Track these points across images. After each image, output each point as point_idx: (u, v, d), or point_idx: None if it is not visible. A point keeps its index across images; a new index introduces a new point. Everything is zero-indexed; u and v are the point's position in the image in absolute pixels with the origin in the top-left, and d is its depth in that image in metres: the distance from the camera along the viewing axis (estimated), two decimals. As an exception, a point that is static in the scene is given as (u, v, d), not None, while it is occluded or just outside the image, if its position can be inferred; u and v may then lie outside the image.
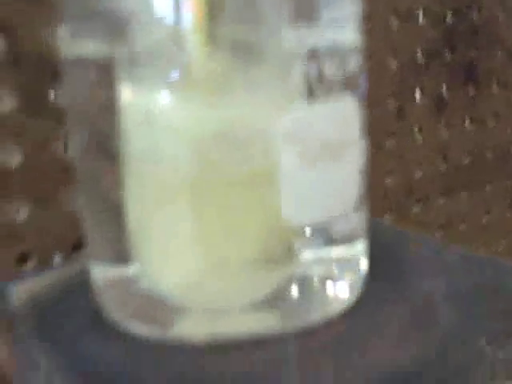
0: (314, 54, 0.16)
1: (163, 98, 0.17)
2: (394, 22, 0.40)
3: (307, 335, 0.18)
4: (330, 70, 0.17)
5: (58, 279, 0.24)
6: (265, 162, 0.17)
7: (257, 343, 0.17)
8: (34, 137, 0.29)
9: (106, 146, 0.18)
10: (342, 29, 0.17)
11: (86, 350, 0.18)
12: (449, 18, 0.43)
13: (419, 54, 0.42)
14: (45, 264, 0.30)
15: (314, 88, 0.17)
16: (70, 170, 0.30)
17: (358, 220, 0.20)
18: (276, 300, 0.18)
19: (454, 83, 0.44)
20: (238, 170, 0.17)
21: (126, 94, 0.17)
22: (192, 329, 0.18)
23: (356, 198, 0.19)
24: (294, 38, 0.16)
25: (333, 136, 0.17)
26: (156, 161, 0.17)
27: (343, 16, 0.18)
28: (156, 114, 0.17)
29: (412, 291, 0.20)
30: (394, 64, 0.41)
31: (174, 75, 0.17)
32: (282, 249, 0.18)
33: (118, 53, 0.17)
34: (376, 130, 0.41)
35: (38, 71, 0.29)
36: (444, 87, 0.44)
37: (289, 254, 0.18)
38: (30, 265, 0.30)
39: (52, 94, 0.29)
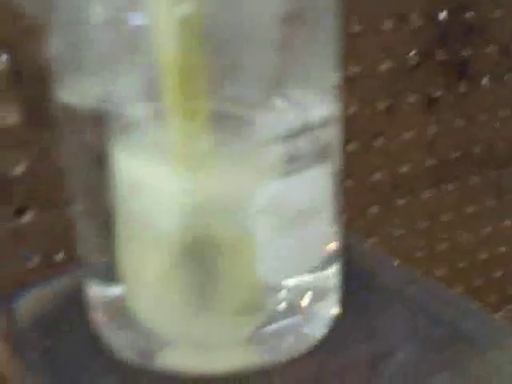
0: (288, 134, 0.18)
1: (150, 169, 0.19)
2: (388, 24, 0.41)
3: (282, 370, 0.20)
4: (304, 147, 0.19)
5: (60, 290, 0.26)
6: (243, 229, 0.19)
7: (233, 377, 0.20)
8: (37, 147, 0.31)
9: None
10: (316, 109, 0.19)
11: (85, 379, 0.20)
12: (443, 18, 0.43)
13: (412, 54, 0.43)
14: (47, 263, 0.32)
15: (289, 164, 0.18)
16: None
17: (331, 263, 0.22)
18: (253, 338, 0.21)
19: (446, 81, 0.45)
20: (218, 236, 0.19)
21: (117, 157, 0.19)
22: (177, 360, 0.21)
23: (329, 251, 0.21)
24: (271, 121, 0.18)
25: (305, 204, 0.19)
26: (146, 223, 0.19)
27: (318, 97, 0.19)
28: (144, 183, 0.19)
29: (376, 331, 0.22)
30: (386, 65, 0.42)
31: (159, 147, 0.18)
32: (257, 300, 0.20)
33: (109, 116, 0.19)
34: (365, 130, 0.42)
35: (40, 85, 0.30)
36: (435, 85, 0.45)
37: (265, 303, 0.20)
38: (35, 262, 0.33)
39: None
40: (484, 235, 0.54)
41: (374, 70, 0.41)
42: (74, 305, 0.25)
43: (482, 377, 0.21)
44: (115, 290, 0.22)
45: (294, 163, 0.18)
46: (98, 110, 0.19)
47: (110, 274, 0.21)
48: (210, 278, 0.19)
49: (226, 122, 0.18)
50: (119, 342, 0.21)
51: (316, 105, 0.19)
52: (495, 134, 0.51)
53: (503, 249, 0.57)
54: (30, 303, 0.25)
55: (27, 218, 0.32)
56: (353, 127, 0.41)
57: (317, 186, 0.19)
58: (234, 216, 0.18)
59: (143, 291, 0.21)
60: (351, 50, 0.39)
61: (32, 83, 0.30)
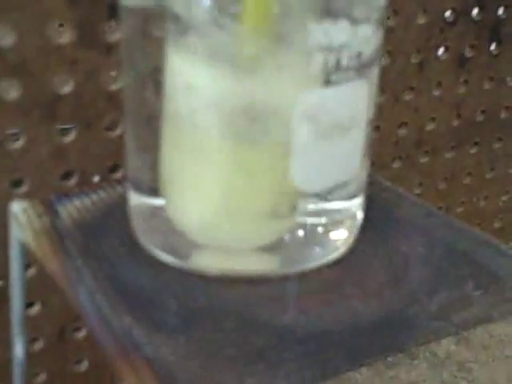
0: (334, 47, 0.19)
1: (202, 71, 0.20)
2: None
3: (302, 278, 0.22)
4: (347, 60, 0.20)
5: (100, 201, 0.28)
6: (282, 135, 0.20)
7: (258, 281, 0.22)
8: (86, 67, 0.32)
9: (156, 83, 0.21)
10: (362, 26, 0.20)
11: (122, 272, 0.22)
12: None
13: (449, 11, 0.43)
14: (85, 183, 0.34)
15: (331, 75, 0.20)
16: (113, 99, 0.33)
17: (357, 183, 0.23)
18: (279, 246, 0.22)
19: (478, 42, 0.46)
20: (258, 138, 0.20)
21: (172, 59, 0.21)
22: (206, 262, 0.22)
23: (358, 169, 0.22)
24: (318, 32, 0.19)
25: (343, 116, 0.20)
26: (191, 123, 0.20)
27: (364, 15, 0.20)
28: (194, 84, 0.20)
29: (394, 250, 0.24)
30: (422, 19, 0.42)
31: (213, 51, 0.20)
32: (287, 205, 0.21)
33: (168, 17, 0.20)
34: (396, 83, 0.43)
35: (94, 8, 0.31)
36: (468, 45, 0.45)
37: (293, 210, 0.21)
38: (73, 182, 0.34)
39: (105, 29, 0.32)
40: (501, 203, 0.55)
41: (410, 24, 0.42)
42: (113, 214, 0.27)
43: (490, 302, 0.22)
44: (156, 201, 0.23)
45: (335, 75, 0.20)
46: (159, 11, 0.20)
47: (153, 187, 0.23)
48: (246, 180, 0.21)
49: (277, 30, 0.19)
50: (156, 245, 0.23)
51: (362, 22, 0.20)
52: (522, 101, 0.51)
53: (519, 218, 0.58)
54: (71, 208, 0.27)
55: (70, 137, 0.33)
56: (383, 79, 0.42)
57: (355, 100, 0.21)
58: (275, 120, 0.20)
59: (181, 196, 0.22)
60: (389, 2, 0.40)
61: (88, 4, 0.31)
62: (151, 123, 0.22)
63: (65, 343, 0.37)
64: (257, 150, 0.20)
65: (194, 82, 0.20)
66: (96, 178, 0.35)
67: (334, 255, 0.23)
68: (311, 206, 0.22)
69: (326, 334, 0.19)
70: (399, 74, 0.43)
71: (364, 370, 0.18)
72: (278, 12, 0.19)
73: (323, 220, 0.23)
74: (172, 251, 0.23)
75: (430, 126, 0.46)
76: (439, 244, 0.25)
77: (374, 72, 0.21)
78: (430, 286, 0.22)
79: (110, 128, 0.34)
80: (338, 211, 0.23)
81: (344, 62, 0.20)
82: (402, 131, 0.45)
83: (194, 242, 0.23)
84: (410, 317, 0.20)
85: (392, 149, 0.45)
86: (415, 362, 0.19)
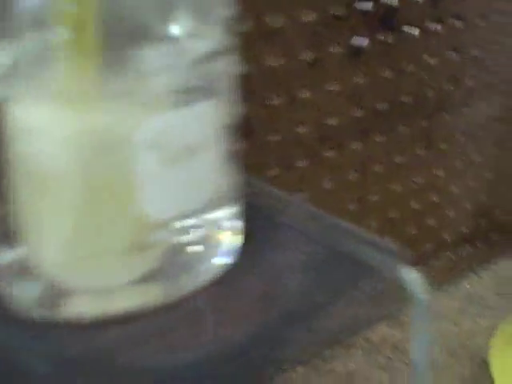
0: (174, 66, 0.18)
1: (37, 110, 0.19)
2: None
3: (173, 309, 0.21)
4: (191, 80, 0.19)
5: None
6: (129, 165, 0.19)
7: (130, 318, 0.20)
8: None
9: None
10: (206, 40, 0.19)
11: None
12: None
13: (336, 4, 0.43)
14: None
15: (175, 97, 0.19)
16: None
17: (223, 198, 0.22)
18: (152, 276, 0.21)
19: (371, 32, 0.46)
20: (106, 171, 0.19)
21: (10, 106, 0.19)
22: (78, 309, 0.21)
23: (219, 185, 0.22)
24: (155, 53, 0.18)
25: (190, 139, 0.20)
26: (37, 164, 0.19)
27: (207, 27, 0.19)
28: (31, 124, 0.19)
29: (273, 262, 0.23)
30: (310, 17, 0.42)
31: (46, 88, 0.19)
32: (148, 235, 0.20)
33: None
34: (290, 83, 0.43)
35: None
36: (362, 36, 0.45)
37: (152, 242, 0.20)
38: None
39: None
40: (415, 185, 0.56)
41: (297, 22, 0.41)
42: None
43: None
44: (16, 249, 0.21)
45: (180, 96, 0.19)
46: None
47: (10, 235, 0.21)
48: (100, 216, 0.20)
49: (110, 57, 0.18)
50: (19, 295, 0.22)
51: (203, 38, 0.19)
52: (423, 84, 0.52)
53: (435, 198, 0.59)
54: None
55: None
56: (277, 80, 0.42)
57: (205, 121, 0.20)
58: (120, 152, 0.19)
59: (39, 241, 0.21)
60: (274, 2, 0.40)
61: None
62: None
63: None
64: (107, 184, 0.19)
65: (29, 123, 0.19)
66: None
67: (210, 275, 0.22)
68: (178, 228, 0.21)
69: (191, 369, 0.18)
70: (291, 74, 0.42)
71: (300, 367, 0.17)
72: (104, 41, 0.18)
73: (193, 239, 0.22)
74: (37, 303, 0.21)
75: (331, 121, 0.46)
76: (321, 248, 0.25)
77: (226, 86, 0.21)
78: (309, 296, 0.22)
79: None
80: (209, 227, 0.22)
81: (188, 82, 0.19)
82: (303, 129, 0.45)
83: (61, 289, 0.21)
84: (284, 334, 0.20)
85: (296, 149, 0.45)
86: (351, 350, 0.18)
